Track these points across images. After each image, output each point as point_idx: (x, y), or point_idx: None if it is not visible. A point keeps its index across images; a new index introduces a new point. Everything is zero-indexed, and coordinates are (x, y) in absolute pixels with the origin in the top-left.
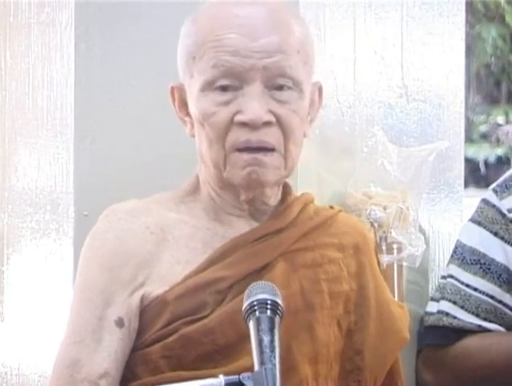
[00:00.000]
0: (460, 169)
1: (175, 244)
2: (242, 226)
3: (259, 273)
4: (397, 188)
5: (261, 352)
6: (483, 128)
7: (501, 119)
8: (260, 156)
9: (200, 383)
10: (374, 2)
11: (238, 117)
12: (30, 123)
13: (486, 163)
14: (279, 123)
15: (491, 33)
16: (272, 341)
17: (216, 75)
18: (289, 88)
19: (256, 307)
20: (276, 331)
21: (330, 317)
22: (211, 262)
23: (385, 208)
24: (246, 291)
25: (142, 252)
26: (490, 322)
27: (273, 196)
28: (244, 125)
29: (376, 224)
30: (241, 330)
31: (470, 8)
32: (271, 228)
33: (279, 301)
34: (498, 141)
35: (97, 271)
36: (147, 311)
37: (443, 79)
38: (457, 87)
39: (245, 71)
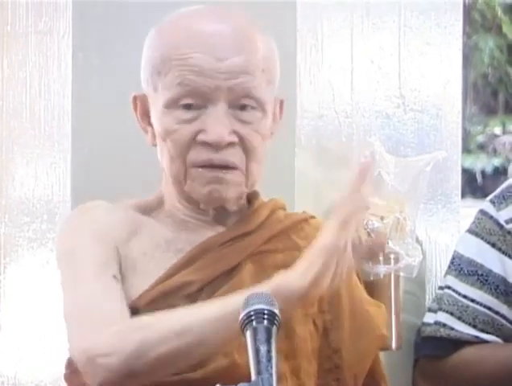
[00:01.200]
0: (457, 179)
1: (145, 239)
2: (206, 230)
3: (228, 275)
4: (394, 198)
5: (258, 362)
6: (480, 138)
7: (498, 129)
8: (221, 174)
9: None
10: (372, 11)
11: (201, 137)
12: (28, 132)
13: (483, 174)
14: (242, 143)
15: (488, 43)
16: (269, 351)
17: (180, 93)
18: (252, 107)
19: (253, 317)
20: (273, 341)
21: (304, 315)
22: (179, 267)
23: (382, 218)
24: (243, 301)
25: (120, 233)
26: (487, 333)
27: (235, 204)
28: (206, 144)
29: (373, 234)
30: None
31: (467, 18)
32: (239, 231)
33: (276, 311)
34: (495, 152)
35: (86, 241)
36: None
37: (441, 89)
38: (454, 97)
39: (210, 92)
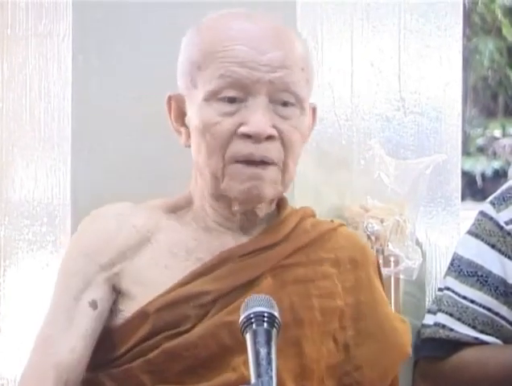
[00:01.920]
0: (457, 182)
1: (158, 248)
2: (228, 240)
3: (245, 288)
4: (394, 201)
5: (258, 365)
6: (480, 141)
7: (497, 132)
8: (259, 170)
9: None
10: (372, 14)
11: (242, 129)
12: (28, 135)
13: (483, 176)
14: (281, 138)
15: (488, 46)
16: (269, 353)
17: (222, 85)
18: (292, 104)
19: (253, 320)
20: (273, 344)
21: (322, 332)
22: (197, 275)
23: (382, 221)
24: (243, 304)
25: (123, 245)
26: (487, 334)
27: (265, 209)
28: (247, 137)
29: (373, 237)
30: (224, 344)
31: (467, 21)
32: (262, 244)
33: (276, 313)
34: (495, 155)
35: (77, 256)
36: (128, 323)
37: (441, 92)
38: (454, 100)
39: (252, 84)
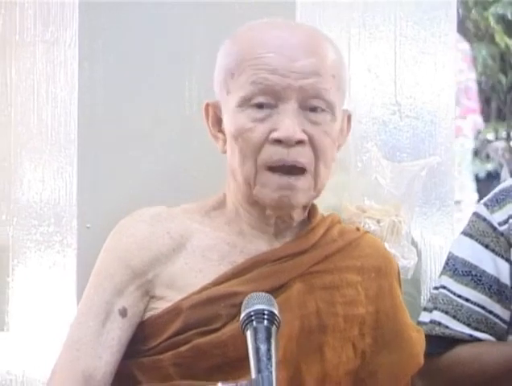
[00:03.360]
0: (451, 184)
1: (192, 253)
2: (262, 244)
3: (275, 292)
4: (390, 202)
5: (258, 360)
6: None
7: (490, 136)
8: (292, 180)
9: None
10: (368, 22)
11: (273, 135)
12: (35, 138)
13: (477, 178)
14: (312, 143)
15: (481, 52)
16: (269, 349)
17: (254, 91)
18: (322, 110)
19: (253, 317)
20: (273, 340)
21: (343, 339)
22: (230, 276)
23: (378, 221)
24: (244, 302)
25: (157, 252)
26: (481, 331)
27: (300, 214)
28: (278, 142)
29: None
30: None
31: (461, 28)
32: (293, 250)
33: (276, 311)
34: (488, 157)
35: (112, 260)
36: (159, 317)
37: (435, 96)
38: (448, 105)
39: (282, 90)
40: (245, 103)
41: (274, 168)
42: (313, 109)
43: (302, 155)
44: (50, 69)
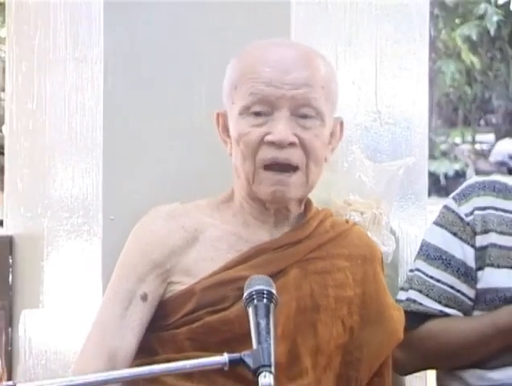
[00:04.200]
0: (424, 181)
1: (204, 243)
2: (264, 234)
3: (275, 276)
4: (372, 197)
5: (258, 333)
6: (443, 147)
7: (458, 139)
8: (285, 177)
9: (206, 360)
10: (353, 41)
11: (268, 137)
12: (66, 143)
13: (446, 176)
14: (302, 145)
15: (450, 68)
16: (268, 324)
17: (252, 101)
18: (312, 116)
19: (254, 296)
20: (271, 316)
21: (334, 317)
22: (236, 263)
23: (362, 214)
24: (246, 283)
25: (173, 245)
26: (450, 308)
27: (296, 206)
28: (272, 144)
29: None
30: None
31: (433, 47)
32: (291, 239)
33: (274, 291)
34: (456, 158)
35: (134, 252)
36: (176, 298)
37: (411, 106)
38: (422, 112)
39: (276, 100)
40: (245, 111)
41: (270, 166)
42: (304, 116)
43: (293, 155)
44: (79, 83)
